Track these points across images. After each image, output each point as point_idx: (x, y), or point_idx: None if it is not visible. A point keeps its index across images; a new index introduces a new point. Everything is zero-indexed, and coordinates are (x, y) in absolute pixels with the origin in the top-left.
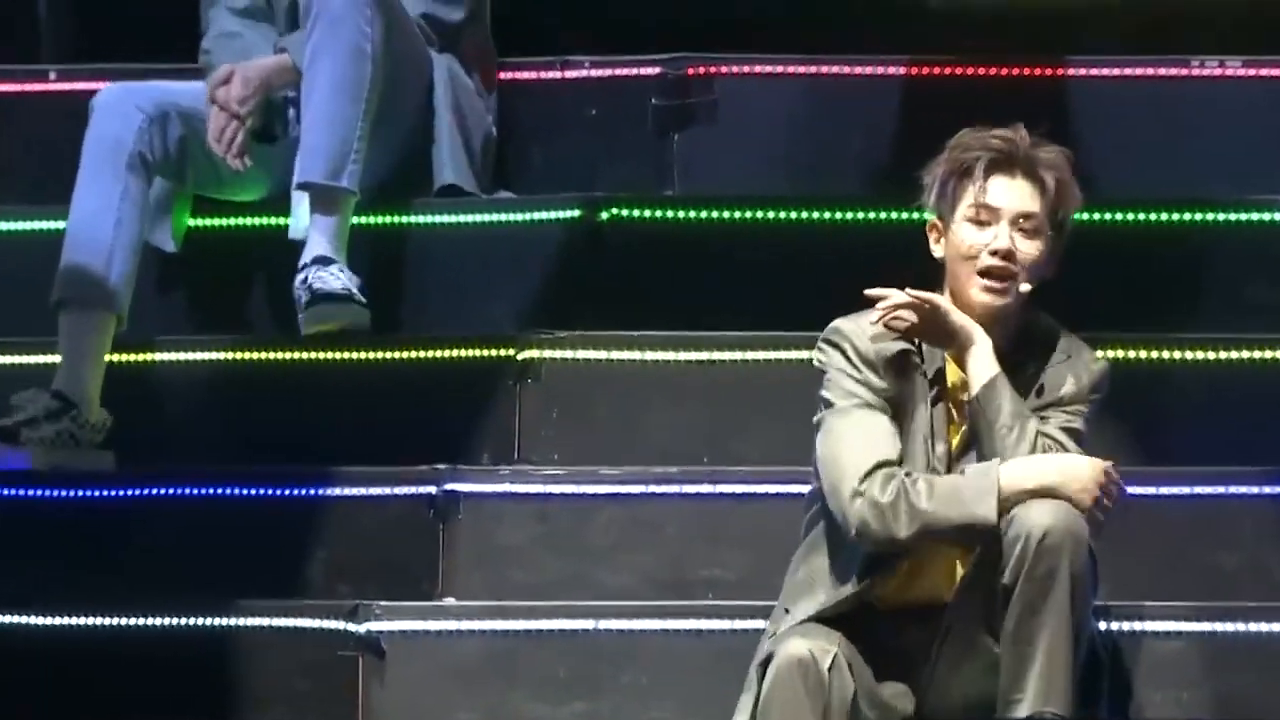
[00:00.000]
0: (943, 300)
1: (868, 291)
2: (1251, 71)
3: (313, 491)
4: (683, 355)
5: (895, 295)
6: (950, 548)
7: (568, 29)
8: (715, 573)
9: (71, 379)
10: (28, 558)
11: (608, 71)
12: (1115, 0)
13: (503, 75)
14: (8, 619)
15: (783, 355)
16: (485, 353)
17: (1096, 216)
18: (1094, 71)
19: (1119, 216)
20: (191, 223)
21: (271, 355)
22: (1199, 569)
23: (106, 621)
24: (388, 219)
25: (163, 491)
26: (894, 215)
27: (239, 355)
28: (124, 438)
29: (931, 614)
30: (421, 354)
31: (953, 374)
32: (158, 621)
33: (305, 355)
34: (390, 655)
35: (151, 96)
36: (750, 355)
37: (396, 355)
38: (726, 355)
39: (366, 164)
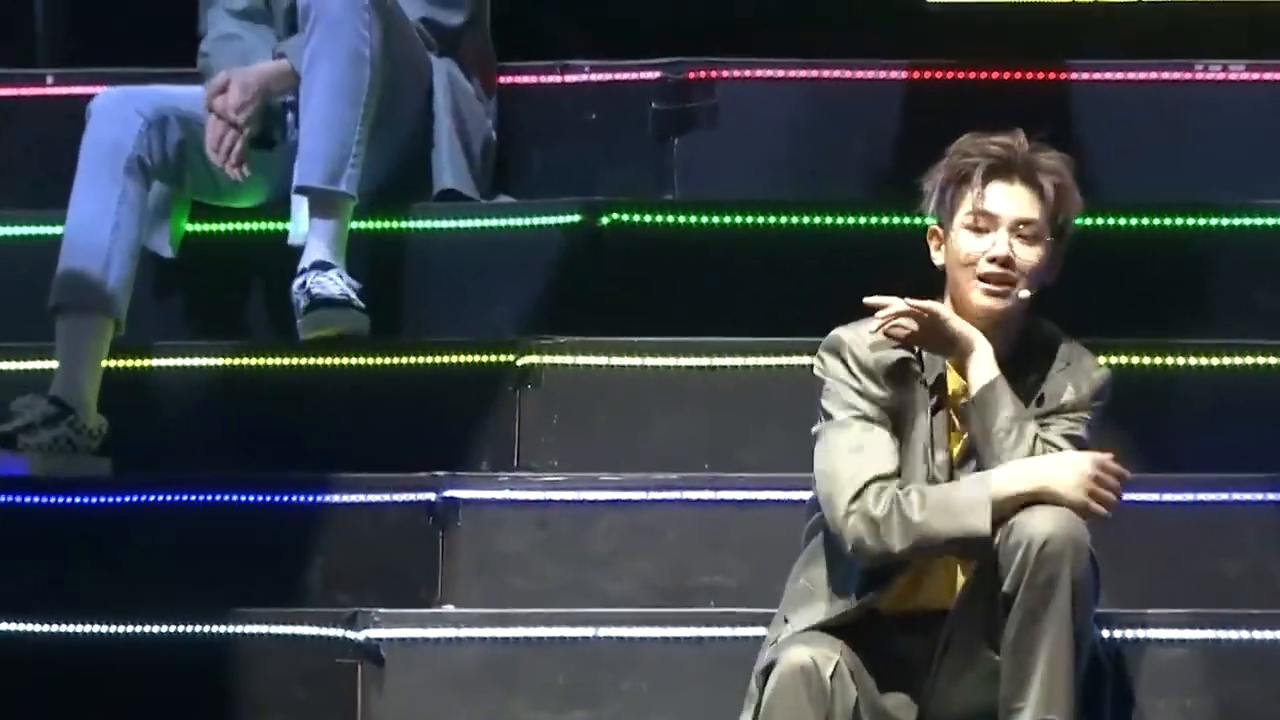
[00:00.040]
0: (942, 307)
1: (866, 300)
2: (1255, 76)
3: (311, 498)
4: (683, 361)
5: (894, 303)
6: (950, 558)
7: (567, 32)
8: (716, 580)
9: (69, 384)
10: (24, 564)
11: (608, 75)
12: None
13: (502, 79)
14: (4, 626)
15: (784, 361)
16: (485, 358)
17: (1099, 221)
18: (1097, 75)
19: (1122, 221)
20: (189, 227)
21: (270, 361)
22: (1202, 576)
23: (104, 629)
24: (387, 224)
25: (160, 498)
26: (896, 220)
27: (237, 361)
28: (121, 443)
29: (933, 622)
30: (421, 359)
31: (953, 382)
32: (155, 629)
33: (304, 361)
34: (389, 663)
35: (150, 101)
36: (751, 361)
37: (395, 361)
38: (727, 361)
39: (365, 168)
